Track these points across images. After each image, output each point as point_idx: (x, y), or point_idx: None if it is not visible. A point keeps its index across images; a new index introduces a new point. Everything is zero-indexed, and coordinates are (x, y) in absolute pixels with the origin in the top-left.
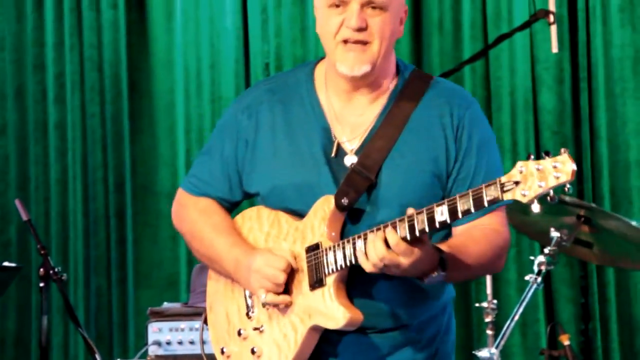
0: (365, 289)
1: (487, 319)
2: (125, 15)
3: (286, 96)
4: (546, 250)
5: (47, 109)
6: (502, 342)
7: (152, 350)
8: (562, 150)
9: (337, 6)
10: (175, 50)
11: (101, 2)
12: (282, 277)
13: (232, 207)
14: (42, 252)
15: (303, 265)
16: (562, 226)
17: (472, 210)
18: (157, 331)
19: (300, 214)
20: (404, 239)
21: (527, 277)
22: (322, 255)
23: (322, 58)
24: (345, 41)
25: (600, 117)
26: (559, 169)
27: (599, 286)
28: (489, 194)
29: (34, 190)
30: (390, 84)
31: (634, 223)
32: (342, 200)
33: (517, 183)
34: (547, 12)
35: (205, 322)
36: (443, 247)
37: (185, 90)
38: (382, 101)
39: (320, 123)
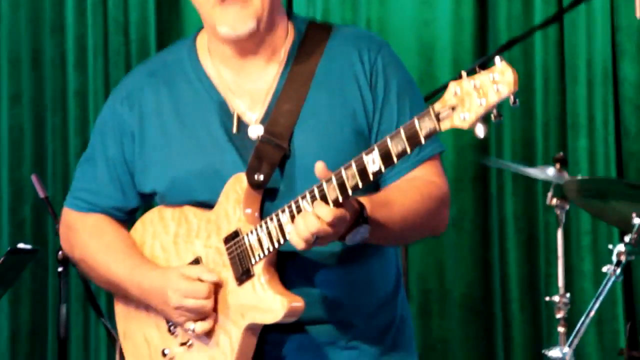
0: (299, 275)
1: (559, 315)
2: None
3: (169, 76)
4: (627, 239)
5: (66, 75)
6: (576, 341)
7: None
8: (497, 59)
9: None
10: None
11: None
12: (209, 305)
13: (128, 217)
14: None
15: (224, 259)
16: None
17: (408, 150)
18: None
19: (209, 205)
20: (335, 202)
21: (604, 269)
22: (244, 242)
23: (201, 29)
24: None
25: None
26: (499, 80)
27: None
28: (424, 126)
29: (51, 165)
30: (285, 40)
31: None
32: (256, 177)
33: (453, 108)
34: None
35: (122, 355)
36: (364, 200)
37: None
38: (280, 60)
39: (213, 97)
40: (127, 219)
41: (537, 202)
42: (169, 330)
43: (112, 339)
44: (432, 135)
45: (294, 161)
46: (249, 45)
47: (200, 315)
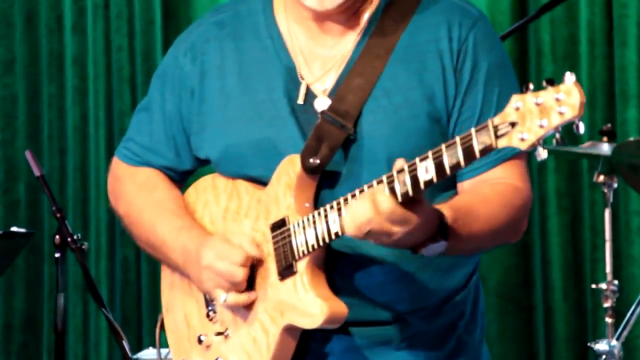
0: (349, 271)
1: (606, 304)
2: None
3: (238, 29)
4: None
5: (63, 40)
6: (625, 333)
7: None
8: (567, 74)
9: None
10: None
11: None
12: (240, 274)
13: (181, 179)
14: (58, 215)
15: (269, 247)
16: None
17: (462, 164)
18: None
19: (263, 182)
20: (403, 196)
21: None
22: (291, 234)
23: None
24: None
25: None
26: (563, 101)
27: None
28: (480, 140)
29: (47, 140)
30: (368, 4)
31: None
32: (311, 160)
33: (513, 125)
34: None
35: (163, 327)
36: (444, 209)
37: None
38: (361, 27)
39: (283, 60)
40: (180, 179)
41: (582, 179)
42: (207, 315)
43: (114, 332)
44: (488, 151)
45: (360, 144)
46: (333, 14)
47: (231, 285)
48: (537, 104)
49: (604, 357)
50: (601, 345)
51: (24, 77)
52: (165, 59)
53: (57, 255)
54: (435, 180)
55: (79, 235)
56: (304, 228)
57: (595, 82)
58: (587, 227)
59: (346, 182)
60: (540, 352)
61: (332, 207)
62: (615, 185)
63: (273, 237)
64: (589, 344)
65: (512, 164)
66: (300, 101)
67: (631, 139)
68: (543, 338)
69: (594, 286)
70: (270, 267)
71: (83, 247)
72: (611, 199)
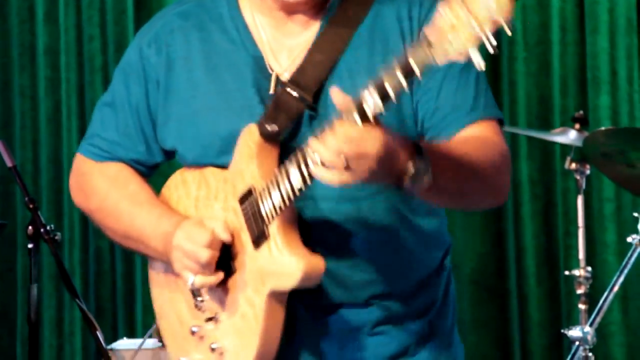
0: (324, 252)
1: (580, 291)
2: None
3: (203, 20)
4: None
5: (35, 29)
6: (598, 319)
7: None
8: None
9: None
10: None
11: None
12: (204, 255)
13: (149, 173)
14: (31, 206)
15: (241, 221)
16: None
17: (404, 83)
18: None
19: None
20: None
21: (629, 239)
22: (258, 201)
23: None
24: None
25: None
26: (492, 5)
27: None
28: (416, 55)
29: (19, 130)
30: None
31: None
32: (269, 127)
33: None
34: None
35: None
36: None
37: None
38: (324, 14)
39: (250, 51)
40: (148, 173)
41: (555, 166)
42: (196, 306)
43: (87, 322)
44: (428, 67)
45: (322, 121)
46: (299, 4)
47: (199, 267)
48: (468, 9)
49: (577, 343)
50: (575, 332)
51: None
52: (128, 52)
53: (30, 246)
54: (382, 108)
55: (52, 226)
56: (269, 192)
57: (567, 69)
58: (561, 214)
59: None
60: (514, 339)
61: (290, 161)
62: (588, 172)
63: (242, 210)
64: (562, 330)
65: (486, 124)
66: (271, 91)
67: (602, 128)
68: (517, 325)
69: (567, 273)
70: (245, 239)
71: (56, 237)
72: (584, 186)
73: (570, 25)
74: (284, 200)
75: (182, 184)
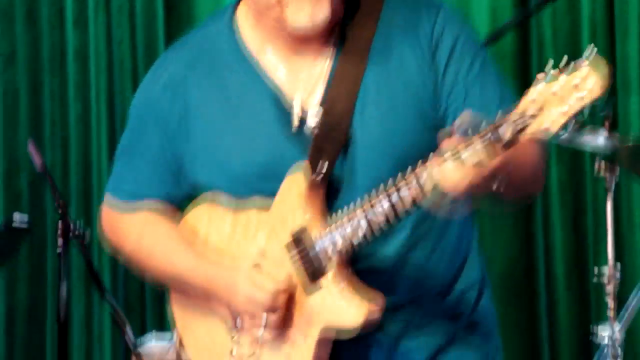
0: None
1: (609, 287)
2: None
3: (209, 66)
4: None
5: (65, 34)
6: (628, 318)
7: None
8: (584, 57)
9: None
10: None
11: None
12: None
13: (176, 208)
14: (61, 206)
15: (289, 266)
16: None
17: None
18: None
19: (267, 202)
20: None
21: None
22: (314, 245)
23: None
24: None
25: None
26: (581, 86)
27: None
28: (503, 134)
29: (49, 132)
30: (338, 16)
31: None
32: (314, 177)
33: (533, 116)
34: None
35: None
36: None
37: None
38: (335, 37)
39: (265, 91)
40: (174, 210)
41: (585, 168)
42: (232, 338)
43: (117, 318)
44: (510, 146)
45: (355, 153)
46: (317, 31)
47: (267, 313)
48: (554, 93)
49: (605, 341)
50: (603, 331)
51: (26, 71)
52: (140, 95)
53: (59, 244)
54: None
55: (81, 223)
56: (327, 235)
57: None
58: (590, 217)
59: (346, 189)
60: (543, 342)
61: (350, 219)
62: (617, 174)
63: (293, 253)
64: (591, 330)
65: None
66: (295, 122)
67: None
68: (546, 328)
69: (596, 269)
70: (296, 279)
71: (86, 237)
72: (613, 188)
73: (600, 30)
74: (346, 245)
75: (208, 218)
